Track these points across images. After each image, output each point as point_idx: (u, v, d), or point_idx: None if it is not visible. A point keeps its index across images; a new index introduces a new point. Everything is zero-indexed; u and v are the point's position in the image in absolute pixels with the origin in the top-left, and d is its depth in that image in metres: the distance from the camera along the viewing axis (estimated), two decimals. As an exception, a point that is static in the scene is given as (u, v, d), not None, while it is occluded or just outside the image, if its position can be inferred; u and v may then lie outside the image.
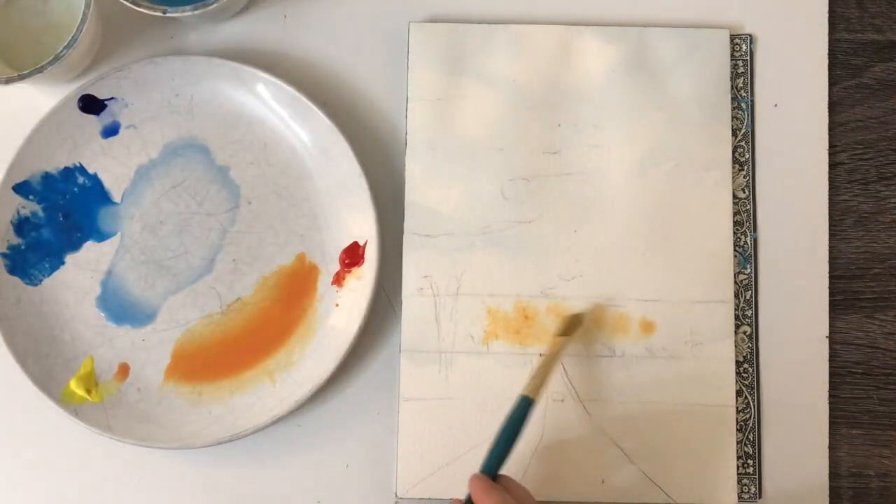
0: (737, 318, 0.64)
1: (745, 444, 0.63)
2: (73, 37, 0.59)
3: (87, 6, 0.59)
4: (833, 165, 0.65)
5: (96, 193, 0.64)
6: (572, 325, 0.62)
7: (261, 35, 0.66)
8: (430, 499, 0.62)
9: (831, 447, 0.63)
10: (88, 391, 0.62)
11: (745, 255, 0.64)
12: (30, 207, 0.63)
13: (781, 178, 0.65)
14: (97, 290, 0.64)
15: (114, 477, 0.63)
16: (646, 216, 0.64)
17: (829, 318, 0.64)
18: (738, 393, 0.63)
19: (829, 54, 0.66)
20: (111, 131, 0.64)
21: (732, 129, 0.65)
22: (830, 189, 0.65)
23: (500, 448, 0.56)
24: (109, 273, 0.64)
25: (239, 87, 0.64)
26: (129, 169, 0.64)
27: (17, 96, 0.65)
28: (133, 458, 0.63)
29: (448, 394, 0.62)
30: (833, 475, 0.63)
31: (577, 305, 0.63)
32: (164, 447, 0.61)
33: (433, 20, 0.66)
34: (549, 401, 0.62)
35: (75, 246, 0.64)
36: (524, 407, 0.57)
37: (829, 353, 0.64)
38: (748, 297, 0.64)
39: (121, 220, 0.64)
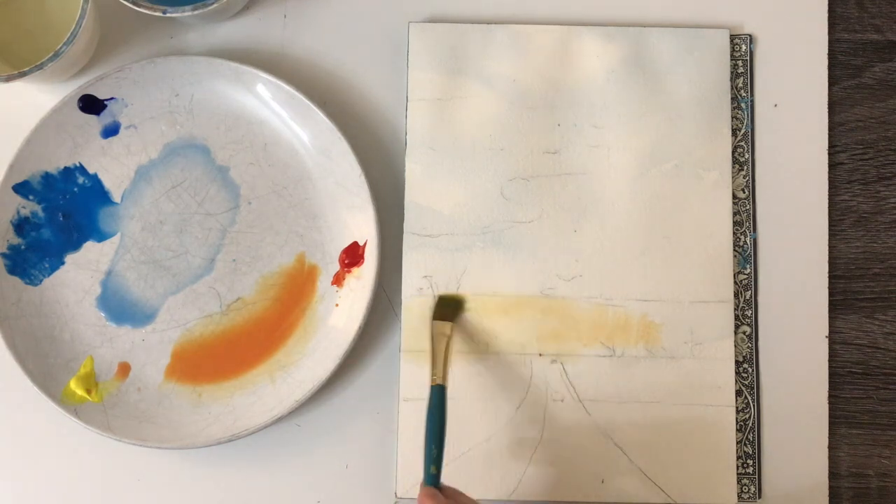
0: (737, 318, 0.64)
1: (745, 444, 0.63)
2: (72, 33, 0.59)
3: (86, 1, 0.59)
4: (833, 165, 0.66)
5: (96, 193, 0.64)
6: (451, 308, 0.62)
7: (261, 35, 0.66)
8: (430, 499, 0.62)
9: (831, 447, 0.63)
10: (88, 391, 0.62)
11: (745, 255, 0.64)
12: (30, 207, 0.63)
13: (781, 178, 0.65)
14: (97, 290, 0.64)
15: (114, 477, 0.63)
16: (646, 216, 0.64)
17: (829, 318, 0.64)
18: (738, 393, 0.63)
19: (829, 54, 0.66)
20: (111, 131, 0.64)
21: (732, 129, 0.65)
22: (830, 189, 0.65)
23: (435, 446, 0.57)
24: (109, 273, 0.64)
25: (239, 87, 0.64)
26: (129, 169, 0.64)
27: (17, 96, 0.65)
28: (133, 458, 0.63)
29: (448, 394, 0.62)
30: (833, 475, 0.63)
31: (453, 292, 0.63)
32: (164, 447, 0.61)
33: (433, 20, 0.66)
34: (549, 401, 0.62)
35: (75, 246, 0.64)
36: (439, 395, 0.58)
37: (829, 353, 0.64)
38: (748, 297, 0.64)
39: (121, 220, 0.64)
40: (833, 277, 0.65)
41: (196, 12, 0.60)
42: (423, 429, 0.62)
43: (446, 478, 0.61)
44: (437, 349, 0.60)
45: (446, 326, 0.61)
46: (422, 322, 0.63)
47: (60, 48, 0.59)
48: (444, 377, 0.59)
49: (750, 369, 0.63)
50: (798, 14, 0.66)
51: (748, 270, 0.64)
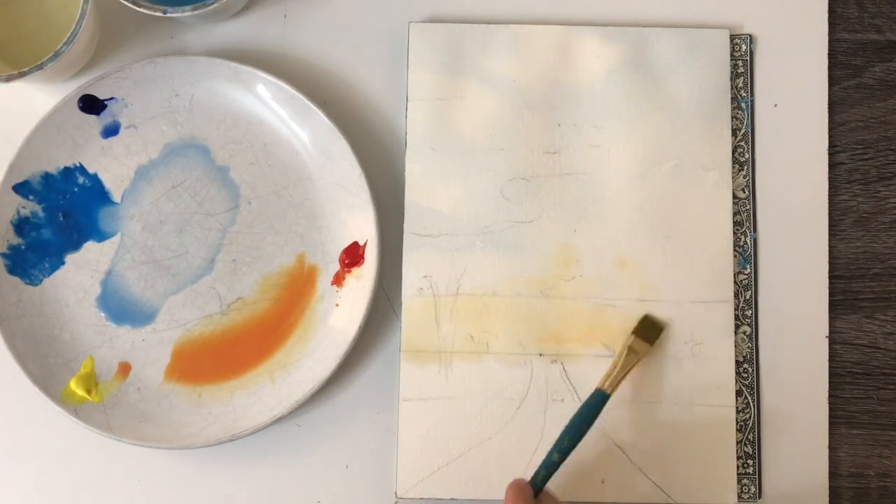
0: (737, 318, 0.64)
1: (745, 444, 0.63)
2: (72, 33, 0.59)
3: (86, 2, 0.59)
4: (833, 165, 0.65)
5: (96, 193, 0.64)
6: (654, 331, 0.62)
7: (261, 35, 0.66)
8: (430, 499, 0.62)
9: (831, 447, 0.63)
10: (88, 391, 0.62)
11: (745, 255, 0.64)
12: (30, 207, 0.63)
13: (781, 178, 0.65)
14: (97, 290, 0.64)
15: (114, 477, 0.63)
16: (646, 216, 0.64)
17: (829, 318, 0.64)
18: (738, 393, 0.63)
19: (829, 54, 0.66)
20: (111, 131, 0.64)
21: (732, 129, 0.65)
22: (830, 189, 0.65)
23: (568, 439, 0.58)
24: (109, 273, 0.64)
25: (239, 87, 0.64)
26: (129, 169, 0.64)
27: (17, 96, 0.65)
28: (133, 458, 0.63)
29: (448, 394, 0.62)
30: (833, 475, 0.63)
31: (656, 313, 0.63)
32: (164, 447, 0.61)
33: (433, 20, 0.66)
34: (549, 401, 0.62)
35: (75, 246, 0.64)
36: (600, 400, 0.59)
37: (829, 353, 0.64)
38: (748, 297, 0.64)
39: (121, 220, 0.64)
40: (833, 277, 0.65)
41: (196, 12, 0.60)
42: (423, 429, 0.62)
43: (444, 477, 0.61)
44: (622, 362, 0.61)
45: (644, 347, 0.61)
46: (422, 322, 0.63)
47: (60, 48, 0.59)
48: (614, 389, 0.60)
49: (750, 369, 0.63)
50: (798, 14, 0.66)
51: (748, 270, 0.64)
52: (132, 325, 0.63)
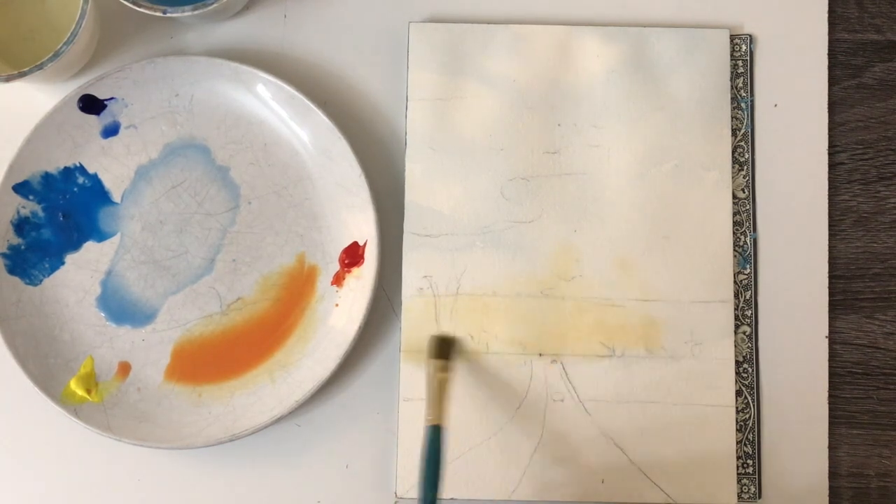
0: (737, 318, 0.64)
1: (745, 444, 0.63)
2: (72, 33, 0.59)
3: (86, 2, 0.59)
4: (833, 165, 0.66)
5: (96, 193, 0.64)
6: (445, 346, 0.61)
7: (261, 35, 0.66)
8: (430, 499, 0.62)
9: (831, 447, 0.63)
10: (88, 391, 0.62)
11: (745, 255, 0.64)
12: (30, 207, 0.63)
13: (781, 178, 0.65)
14: (97, 290, 0.64)
15: (114, 477, 0.63)
16: (646, 216, 0.64)
17: (829, 318, 0.64)
18: (738, 393, 0.63)
19: (829, 54, 0.66)
20: (111, 131, 0.64)
21: (732, 129, 0.65)
22: (830, 189, 0.65)
23: (430, 491, 0.55)
24: (109, 273, 0.64)
25: (239, 87, 0.64)
26: (129, 169, 0.64)
27: (17, 96, 0.65)
28: (133, 458, 0.63)
29: (449, 394, 0.62)
30: (833, 475, 0.63)
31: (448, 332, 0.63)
32: (164, 447, 0.61)
33: (433, 20, 0.66)
34: (549, 401, 0.62)
35: (75, 246, 0.64)
36: (434, 436, 0.57)
37: (829, 353, 0.64)
38: (748, 297, 0.64)
39: (121, 220, 0.64)
40: (833, 277, 0.65)
41: (196, 12, 0.60)
42: (423, 428, 0.62)
43: (448, 477, 0.61)
44: (431, 388, 0.59)
45: (444, 364, 0.60)
46: (422, 322, 0.63)
47: (60, 48, 0.59)
48: (441, 417, 0.57)
49: (750, 369, 0.63)
50: (798, 14, 0.66)
51: (748, 270, 0.64)
52: (132, 325, 0.63)
